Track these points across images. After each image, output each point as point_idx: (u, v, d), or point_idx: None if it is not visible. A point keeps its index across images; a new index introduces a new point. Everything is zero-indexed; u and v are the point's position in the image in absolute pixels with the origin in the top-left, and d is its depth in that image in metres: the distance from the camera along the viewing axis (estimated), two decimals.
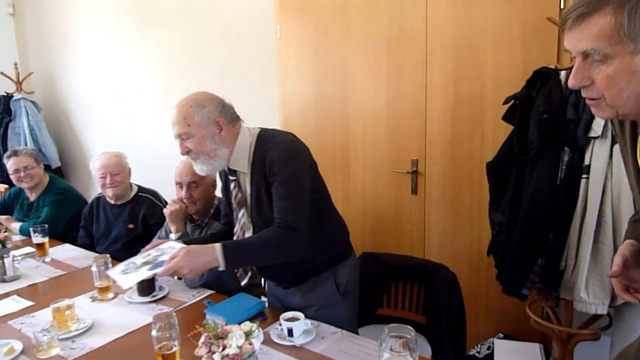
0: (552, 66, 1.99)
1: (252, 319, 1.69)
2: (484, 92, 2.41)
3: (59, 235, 2.97)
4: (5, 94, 5.00)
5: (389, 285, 2.28)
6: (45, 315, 1.82)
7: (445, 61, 2.50)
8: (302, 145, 1.72)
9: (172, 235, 2.22)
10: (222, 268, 1.55)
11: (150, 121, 4.19)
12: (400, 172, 2.76)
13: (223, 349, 1.24)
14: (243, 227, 1.77)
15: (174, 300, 1.96)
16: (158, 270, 1.54)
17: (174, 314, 1.47)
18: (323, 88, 2.99)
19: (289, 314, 1.62)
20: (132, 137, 4.37)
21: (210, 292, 2.03)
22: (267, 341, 1.58)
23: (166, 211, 2.24)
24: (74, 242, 2.91)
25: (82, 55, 4.79)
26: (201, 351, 1.26)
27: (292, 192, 1.60)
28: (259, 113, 3.41)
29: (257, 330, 1.33)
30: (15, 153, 3.11)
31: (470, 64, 2.43)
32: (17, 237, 2.92)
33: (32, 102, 5.07)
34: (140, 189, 2.95)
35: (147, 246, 1.78)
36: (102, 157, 2.80)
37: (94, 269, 2.00)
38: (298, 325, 1.58)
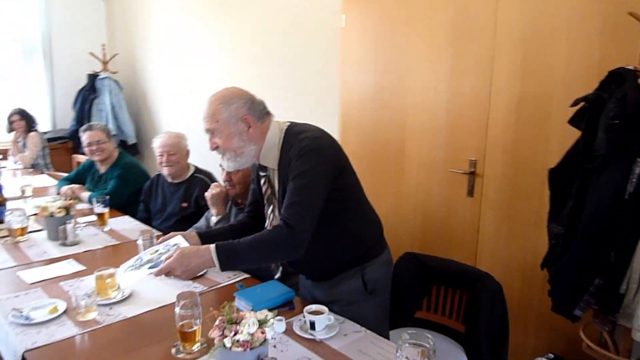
0: (630, 67, 1.78)
1: (279, 308, 1.72)
2: (552, 92, 2.22)
3: (122, 207, 3.15)
4: (92, 73, 5.37)
5: (429, 289, 2.18)
6: (91, 281, 1.92)
7: (513, 56, 2.34)
8: (328, 142, 1.66)
9: (213, 218, 2.27)
10: (218, 270, 1.55)
11: None
12: (457, 172, 2.62)
13: (235, 334, 1.24)
14: (272, 223, 1.76)
15: (209, 280, 2.00)
16: (154, 271, 1.55)
17: (198, 293, 1.49)
18: (383, 79, 2.91)
19: (314, 307, 1.59)
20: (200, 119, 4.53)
21: (246, 275, 2.05)
22: (289, 331, 1.56)
23: (207, 194, 2.29)
24: (134, 215, 3.06)
25: (159, 38, 5.03)
26: (214, 333, 1.26)
27: (301, 189, 1.55)
28: (319, 102, 3.40)
29: (272, 320, 1.31)
30: (89, 127, 3.33)
31: (540, 60, 2.24)
32: (85, 206, 3.11)
33: (115, 81, 5.41)
34: (197, 170, 3.04)
35: (160, 239, 1.80)
36: (163, 137, 2.92)
37: (139, 242, 2.08)
38: (321, 319, 1.54)
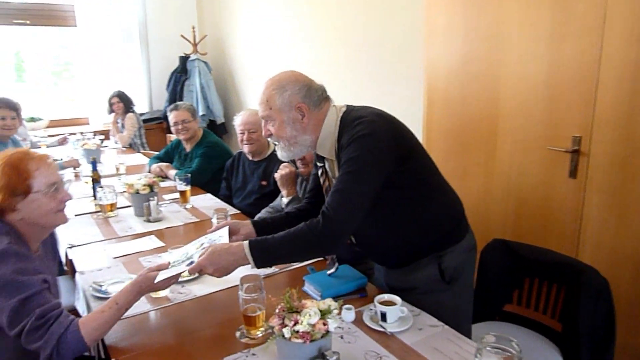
0: None
1: (350, 295, 1.62)
2: None
3: (205, 185, 3.22)
4: (183, 55, 5.56)
5: (521, 281, 1.96)
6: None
7: (629, 15, 1.98)
8: (386, 126, 1.49)
9: (284, 199, 2.20)
10: (253, 267, 1.45)
11: None
12: (557, 150, 2.32)
13: (295, 324, 1.15)
14: None
15: None
16: (189, 268, 1.48)
17: (262, 277, 1.43)
18: (472, 49, 2.65)
19: (386, 297, 1.46)
20: None
21: (318, 259, 1.97)
22: (359, 321, 1.46)
23: (277, 175, 2.22)
24: (217, 193, 3.11)
25: (245, 19, 5.06)
26: (274, 322, 1.19)
27: (347, 177, 1.42)
28: (403, 76, 3.20)
29: (336, 311, 1.21)
30: (175, 107, 3.42)
31: None
32: (170, 183, 3.22)
33: (205, 62, 5.56)
34: None
35: (213, 227, 1.75)
36: (244, 114, 2.90)
37: (214, 220, 2.09)
38: (392, 311, 1.42)
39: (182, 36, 5.50)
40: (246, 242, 1.45)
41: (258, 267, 1.46)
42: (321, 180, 1.66)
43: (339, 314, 1.44)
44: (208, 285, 1.76)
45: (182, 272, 1.47)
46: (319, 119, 1.54)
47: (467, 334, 1.42)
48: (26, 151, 1.46)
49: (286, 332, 1.15)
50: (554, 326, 1.84)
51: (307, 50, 4.08)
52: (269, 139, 1.63)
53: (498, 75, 2.53)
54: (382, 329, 1.40)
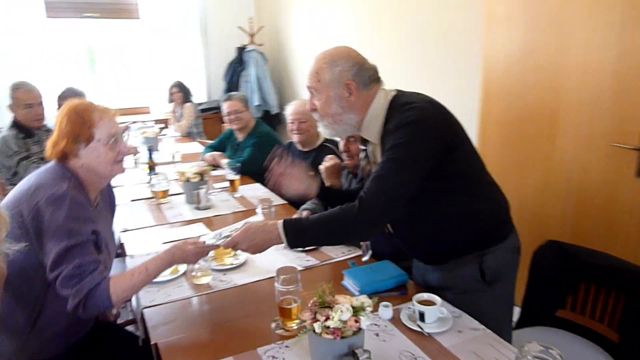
0: None
1: (389, 291, 1.58)
2: None
3: (255, 174, 3.25)
4: (240, 46, 5.65)
5: (576, 286, 1.83)
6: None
7: None
8: (436, 114, 1.43)
9: None
10: (286, 247, 1.44)
11: None
12: (624, 147, 2.15)
13: (326, 320, 1.13)
14: None
15: (323, 254, 1.93)
16: (221, 242, 1.50)
17: (298, 270, 1.42)
18: (534, 38, 2.49)
19: (425, 296, 1.41)
20: None
21: (352, 243, 1.94)
22: (396, 320, 1.42)
23: (322, 167, 2.20)
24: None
25: (301, 9, 5.05)
26: (306, 316, 1.18)
27: (389, 163, 1.37)
28: (459, 65, 3.08)
29: (369, 308, 1.18)
30: (229, 97, 3.48)
31: None
32: (222, 172, 3.29)
33: (261, 53, 5.62)
34: (327, 139, 2.98)
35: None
36: (295, 104, 2.90)
37: (258, 210, 2.10)
38: (431, 311, 1.37)
39: (240, 27, 5.58)
40: (280, 222, 1.44)
41: (291, 247, 1.46)
42: (362, 163, 1.62)
43: (376, 311, 1.43)
44: (249, 275, 1.78)
45: (216, 245, 1.52)
46: (367, 99, 1.49)
47: (507, 339, 1.34)
48: (91, 102, 1.51)
49: (317, 327, 1.14)
50: (610, 336, 1.71)
51: (360, 39, 4.01)
52: (313, 114, 1.57)
53: (561, 65, 2.38)
54: (419, 329, 1.35)
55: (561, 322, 1.85)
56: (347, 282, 1.65)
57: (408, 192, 1.38)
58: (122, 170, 1.56)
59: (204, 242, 1.55)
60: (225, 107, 3.45)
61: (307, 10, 4.96)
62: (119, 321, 2.14)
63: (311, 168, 2.84)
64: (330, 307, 1.16)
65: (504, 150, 2.75)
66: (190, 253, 1.48)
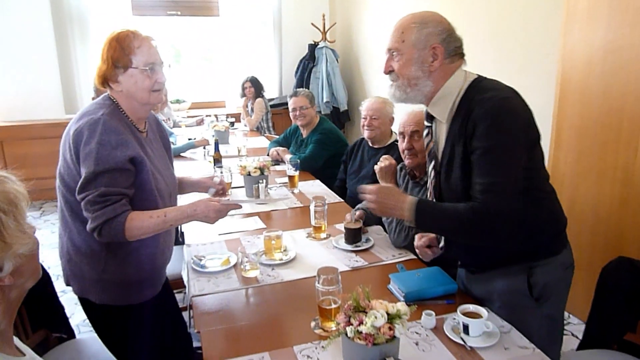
0: None
1: (436, 299, 1.53)
2: None
3: (318, 171, 3.27)
4: (312, 43, 5.70)
5: None
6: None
7: None
8: (521, 105, 1.33)
9: None
10: (408, 222, 1.40)
11: None
12: None
13: (359, 324, 1.11)
14: (432, 180, 1.53)
15: (373, 256, 1.91)
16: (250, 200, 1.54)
17: (338, 270, 1.41)
18: (618, 35, 2.28)
19: (471, 307, 1.35)
20: None
21: (411, 257, 1.89)
22: (439, 330, 1.37)
23: (376, 167, 2.15)
24: (330, 179, 3.15)
25: (375, 7, 4.99)
26: (340, 318, 1.16)
27: (497, 166, 1.28)
28: (533, 63, 2.91)
29: (406, 317, 1.14)
30: (295, 93, 3.52)
31: None
32: (284, 167, 3.33)
33: (332, 50, 5.63)
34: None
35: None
36: (370, 100, 2.89)
37: (311, 207, 2.11)
38: (476, 324, 1.30)
39: (313, 24, 5.63)
40: (414, 198, 1.39)
41: (416, 226, 1.41)
42: (425, 141, 1.55)
43: (418, 319, 1.38)
44: (296, 271, 1.79)
45: (237, 204, 1.62)
46: (447, 72, 1.41)
47: None
48: (134, 30, 1.52)
49: (349, 331, 1.12)
50: None
51: None
52: (387, 75, 1.47)
53: None
54: (462, 342, 1.29)
55: (630, 346, 1.69)
56: (393, 286, 1.61)
57: (519, 190, 1.31)
58: (160, 100, 1.57)
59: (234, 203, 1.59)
60: (291, 103, 3.49)
61: (380, 7, 4.89)
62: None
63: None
64: (365, 312, 1.14)
65: (580, 156, 2.55)
66: (212, 209, 1.51)
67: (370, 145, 2.91)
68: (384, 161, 2.14)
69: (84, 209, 1.40)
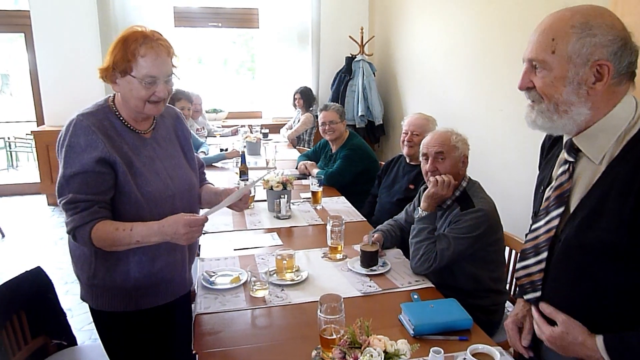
0: None
1: (448, 335, 1.43)
2: None
3: (345, 187, 3.21)
4: (350, 56, 5.66)
5: None
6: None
7: None
8: None
9: (419, 210, 2.02)
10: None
11: (464, 91, 3.98)
12: None
13: None
14: (554, 231, 1.14)
15: (388, 281, 1.82)
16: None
17: (342, 298, 1.34)
18: None
19: (480, 348, 1.25)
20: (448, 104, 4.26)
21: (429, 285, 1.79)
22: None
23: (432, 190, 1.96)
24: (357, 195, 3.08)
25: (414, 19, 4.91)
26: (335, 353, 1.09)
27: None
28: None
29: (404, 357, 1.06)
30: (325, 107, 3.48)
31: None
32: (308, 182, 3.29)
33: (369, 63, 5.58)
34: None
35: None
36: (413, 116, 2.83)
37: (328, 227, 2.05)
38: None
39: (350, 37, 5.60)
40: (600, 339, 1.04)
41: None
42: (560, 179, 1.16)
43: (425, 355, 1.29)
44: (306, 294, 1.73)
45: (204, 217, 1.44)
46: (612, 97, 1.06)
47: None
48: (149, 34, 1.43)
49: None
50: None
51: (478, 55, 3.77)
52: (524, 92, 1.14)
53: None
54: None
55: None
56: (404, 317, 1.52)
57: None
58: (156, 112, 1.49)
59: (205, 217, 1.44)
60: (320, 117, 3.45)
61: (420, 21, 4.80)
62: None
63: (412, 181, 2.74)
64: (359, 348, 1.07)
65: None
66: (181, 223, 1.36)
67: (407, 161, 2.84)
68: (445, 189, 1.92)
69: (62, 212, 1.40)
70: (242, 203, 1.67)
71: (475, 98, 3.70)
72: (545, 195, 1.21)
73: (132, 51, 1.39)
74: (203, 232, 2.25)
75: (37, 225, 4.90)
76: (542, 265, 1.16)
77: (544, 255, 1.15)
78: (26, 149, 7.75)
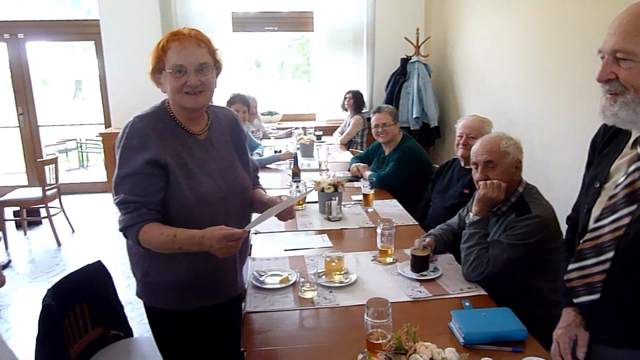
0: None
1: (500, 345, 1.38)
2: None
3: (397, 190, 3.17)
4: (405, 57, 5.59)
5: None
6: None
7: None
8: None
9: (470, 214, 1.97)
10: None
11: (526, 90, 3.83)
12: None
13: None
14: (624, 229, 1.11)
15: (438, 287, 1.78)
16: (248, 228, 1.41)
17: (389, 304, 1.32)
18: None
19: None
20: (508, 105, 4.11)
21: (482, 293, 1.73)
22: None
23: (481, 193, 1.91)
24: (410, 199, 3.04)
25: (474, 18, 4.78)
26: (380, 359, 1.08)
27: None
28: None
29: None
30: (378, 110, 3.45)
31: None
32: (361, 184, 3.27)
33: (425, 64, 5.48)
34: None
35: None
36: (468, 118, 2.76)
37: (378, 230, 2.03)
38: None
39: (406, 38, 5.53)
40: None
41: None
42: (629, 178, 1.11)
43: None
44: (354, 297, 1.72)
45: (256, 224, 1.48)
46: None
47: None
48: (181, 30, 1.46)
49: None
50: None
51: (544, 55, 3.60)
52: (604, 85, 1.12)
53: None
54: None
55: None
56: (454, 324, 1.48)
57: None
58: (193, 103, 1.48)
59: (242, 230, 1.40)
60: (373, 120, 3.43)
61: (478, 22, 4.66)
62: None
63: (466, 185, 2.67)
64: (405, 354, 1.05)
65: None
66: (215, 237, 1.34)
67: (462, 165, 2.76)
68: (495, 191, 1.86)
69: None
70: (286, 214, 1.67)
71: (538, 98, 3.54)
72: (611, 193, 1.14)
73: (162, 47, 1.45)
74: (255, 232, 2.30)
75: (103, 222, 5.18)
76: (606, 266, 1.11)
77: (609, 255, 1.11)
78: (95, 150, 8.24)
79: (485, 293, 1.73)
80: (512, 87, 3.96)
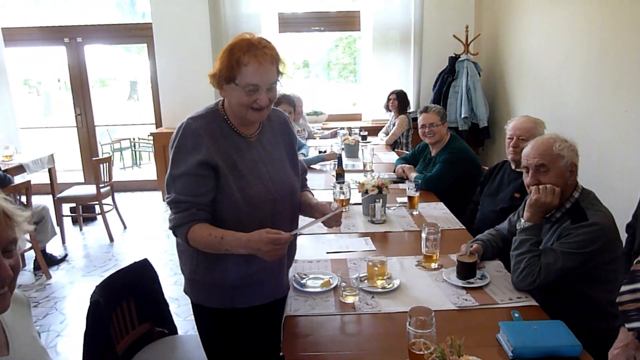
0: None
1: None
2: None
3: (444, 192, 3.08)
4: (453, 55, 5.45)
5: None
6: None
7: None
8: None
9: (521, 220, 1.87)
10: None
11: (582, 89, 3.64)
12: None
13: None
14: None
15: (486, 295, 1.70)
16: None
17: (433, 312, 1.27)
18: None
19: None
20: (562, 105, 3.93)
21: (533, 303, 1.64)
22: None
23: (534, 198, 1.81)
24: (457, 201, 2.95)
25: (528, 15, 4.59)
26: None
27: None
28: None
29: None
30: (425, 109, 3.36)
31: None
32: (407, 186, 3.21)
33: (474, 63, 5.32)
34: None
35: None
36: (519, 119, 2.64)
37: (423, 234, 1.97)
38: None
39: (454, 36, 5.38)
40: None
41: None
42: None
43: None
44: (397, 303, 1.67)
45: (303, 229, 1.52)
46: None
47: None
48: (255, 42, 1.44)
49: None
50: None
51: (603, 53, 3.41)
52: None
53: None
54: None
55: None
56: (502, 337, 1.41)
57: None
58: (258, 118, 1.51)
59: (289, 234, 1.39)
60: (420, 120, 3.35)
61: (534, 17, 4.47)
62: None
63: (517, 189, 2.57)
64: None
65: None
66: (263, 240, 1.35)
67: (513, 168, 2.65)
68: (548, 196, 1.76)
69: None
70: (333, 221, 1.65)
71: (596, 97, 3.36)
72: None
73: (236, 59, 1.42)
74: (298, 232, 2.29)
75: (153, 219, 5.35)
76: None
77: None
78: (147, 149, 8.53)
79: (537, 304, 1.64)
80: (568, 85, 3.77)
